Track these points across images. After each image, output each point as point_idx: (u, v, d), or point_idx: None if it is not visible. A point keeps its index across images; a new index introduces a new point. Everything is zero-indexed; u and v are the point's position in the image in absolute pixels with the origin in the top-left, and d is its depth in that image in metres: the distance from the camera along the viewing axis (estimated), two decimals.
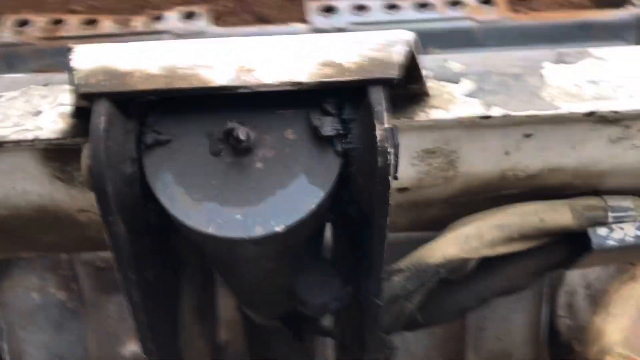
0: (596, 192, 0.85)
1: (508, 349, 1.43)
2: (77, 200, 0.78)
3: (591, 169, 0.82)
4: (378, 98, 0.58)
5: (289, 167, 0.60)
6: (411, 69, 0.66)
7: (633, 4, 1.22)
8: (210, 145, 0.61)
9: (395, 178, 0.60)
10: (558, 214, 0.83)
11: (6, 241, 0.89)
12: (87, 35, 1.20)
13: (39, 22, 1.23)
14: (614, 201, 0.84)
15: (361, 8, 1.24)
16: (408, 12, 1.24)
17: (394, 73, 0.60)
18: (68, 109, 0.71)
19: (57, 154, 0.74)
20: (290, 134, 0.61)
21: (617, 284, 1.20)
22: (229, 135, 0.58)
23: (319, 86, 0.59)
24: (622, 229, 0.83)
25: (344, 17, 1.23)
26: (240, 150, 0.59)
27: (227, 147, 0.60)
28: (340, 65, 0.60)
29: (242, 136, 0.57)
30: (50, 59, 1.20)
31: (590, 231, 0.83)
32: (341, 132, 0.61)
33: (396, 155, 0.58)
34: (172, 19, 1.23)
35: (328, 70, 0.59)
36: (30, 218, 0.81)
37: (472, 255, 0.82)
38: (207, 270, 0.96)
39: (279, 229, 0.58)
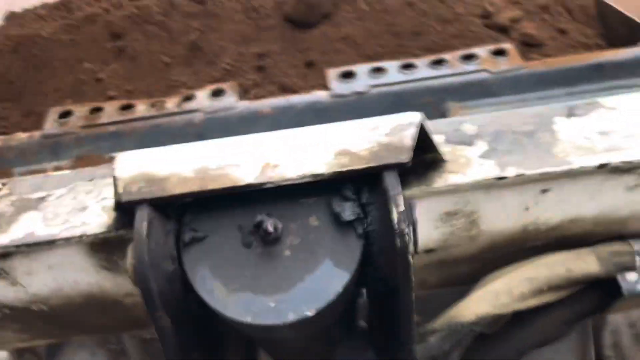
0: (621, 237, 0.87)
1: None
2: (123, 286, 0.84)
3: (612, 217, 0.83)
4: (392, 183, 0.62)
5: (314, 252, 0.64)
6: (424, 142, 0.70)
7: None
8: (241, 237, 0.66)
9: (416, 252, 0.64)
10: (585, 263, 0.84)
11: (59, 326, 0.95)
12: (123, 120, 1.28)
13: (80, 112, 1.32)
14: (639, 245, 0.85)
15: (378, 70, 1.29)
16: (423, 70, 1.28)
17: (405, 157, 0.64)
18: (111, 202, 0.78)
19: (102, 246, 0.80)
20: (314, 221, 0.65)
21: None
22: (259, 227, 0.63)
23: (337, 176, 0.63)
24: None
25: (363, 81, 1.28)
26: (269, 241, 0.64)
27: (258, 239, 0.64)
28: (355, 153, 0.64)
29: (270, 228, 0.61)
30: (91, 145, 1.28)
31: (619, 278, 0.84)
32: (361, 215, 0.65)
33: (414, 231, 0.62)
34: (202, 97, 1.31)
35: (344, 160, 0.64)
36: (81, 305, 0.87)
37: (503, 310, 0.83)
38: (249, 344, 1.00)
39: (309, 313, 0.62)
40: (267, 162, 0.65)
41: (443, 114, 1.24)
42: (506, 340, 0.88)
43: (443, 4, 1.45)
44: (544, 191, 0.80)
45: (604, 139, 0.80)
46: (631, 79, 1.25)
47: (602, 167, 0.77)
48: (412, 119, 0.67)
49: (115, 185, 0.66)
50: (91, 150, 1.27)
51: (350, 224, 0.65)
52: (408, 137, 0.65)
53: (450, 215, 0.81)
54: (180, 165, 0.66)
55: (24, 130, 1.38)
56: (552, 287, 0.84)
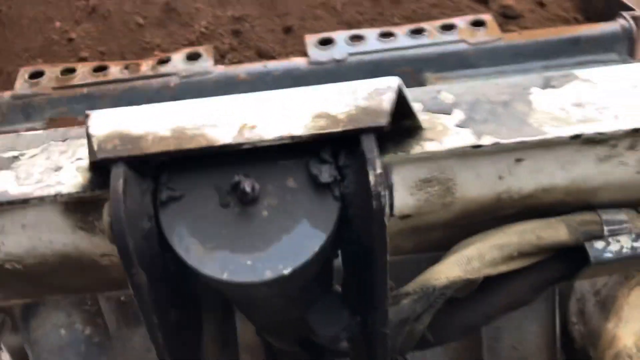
0: (590, 207, 0.89)
1: (524, 357, 1.45)
2: (99, 246, 0.84)
3: (582, 187, 0.85)
4: (370, 146, 0.63)
5: (292, 213, 0.64)
6: (402, 108, 0.70)
7: (623, 17, 1.25)
8: (219, 197, 0.66)
9: (391, 215, 0.65)
10: (554, 231, 0.86)
11: (34, 286, 0.94)
12: (97, 82, 1.26)
13: (52, 72, 1.29)
14: (608, 215, 0.88)
15: (357, 38, 1.29)
16: (402, 39, 1.28)
17: (383, 121, 0.64)
18: (86, 163, 0.77)
19: (78, 206, 0.79)
20: (291, 182, 0.66)
21: (625, 290, 1.23)
22: (236, 188, 0.63)
23: (315, 138, 0.64)
24: (618, 241, 0.87)
25: (341, 48, 1.27)
26: (247, 201, 0.64)
27: (235, 199, 0.65)
28: (333, 116, 0.64)
29: (248, 189, 0.62)
30: (64, 107, 1.26)
31: (587, 245, 0.86)
32: (338, 178, 0.66)
33: (390, 195, 0.63)
34: (177, 61, 1.29)
35: (322, 122, 0.64)
36: (56, 265, 0.86)
37: (474, 275, 0.85)
38: (225, 303, 1.00)
39: (286, 272, 0.62)
40: (245, 122, 0.65)
41: (421, 84, 1.25)
42: (476, 304, 0.91)
43: None
44: (518, 160, 0.81)
45: (579, 110, 0.82)
46: (606, 54, 1.27)
47: (575, 137, 0.78)
48: (391, 83, 0.68)
49: (90, 143, 0.65)
50: (64, 112, 1.25)
51: (327, 186, 0.65)
52: (386, 101, 0.66)
53: (425, 182, 0.82)
54: (156, 124, 0.65)
55: None
56: (523, 254, 0.86)
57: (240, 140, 0.64)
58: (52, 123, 1.25)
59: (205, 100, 0.68)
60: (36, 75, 1.29)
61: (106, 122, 0.66)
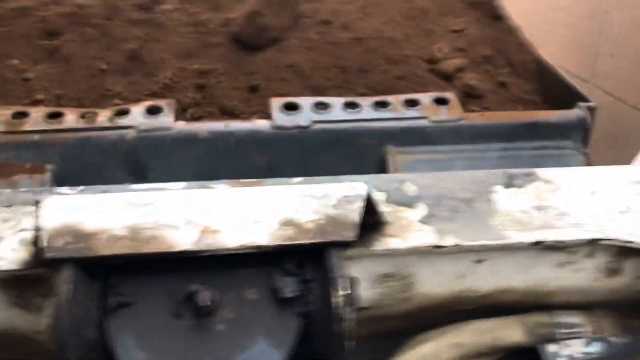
0: (546, 308, 0.89)
1: None
2: (35, 324, 0.78)
3: (540, 290, 0.86)
4: (336, 264, 0.61)
5: (249, 329, 0.61)
6: (369, 209, 0.69)
7: (579, 107, 1.29)
8: (172, 307, 0.62)
9: (353, 338, 0.62)
10: (510, 332, 0.86)
11: None
12: (50, 130, 1.21)
13: (2, 115, 1.23)
14: (562, 317, 0.88)
15: (323, 106, 1.28)
16: (367, 111, 1.28)
17: (351, 235, 0.63)
18: (29, 235, 0.72)
19: (16, 283, 0.74)
20: (251, 294, 0.63)
21: None
22: (191, 298, 0.59)
23: (280, 248, 0.61)
24: (569, 345, 0.87)
25: (306, 115, 1.26)
26: (202, 314, 0.60)
27: (190, 310, 0.61)
28: (300, 225, 0.62)
29: (204, 301, 0.58)
30: (12, 152, 1.19)
31: (540, 349, 0.86)
32: (303, 293, 0.63)
33: (356, 309, 0.61)
34: (137, 113, 1.24)
35: (289, 232, 0.62)
36: None
37: None
38: None
39: None
40: (206, 226, 0.62)
41: (381, 157, 1.25)
42: None
43: (393, 43, 1.46)
44: (479, 261, 0.81)
45: (540, 215, 0.82)
46: (562, 140, 1.30)
47: (537, 244, 0.78)
48: (360, 191, 0.66)
49: (38, 237, 0.61)
50: (11, 158, 1.19)
51: (289, 301, 0.63)
52: (355, 213, 0.64)
53: (386, 277, 0.80)
54: (111, 219, 0.61)
55: None
56: (479, 354, 0.85)
57: (200, 247, 0.61)
58: None
59: (166, 192, 0.65)
60: None
61: (57, 213, 0.62)
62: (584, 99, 1.33)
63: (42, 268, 0.65)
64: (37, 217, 0.62)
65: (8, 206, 0.79)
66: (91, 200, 0.63)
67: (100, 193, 0.64)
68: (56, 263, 0.60)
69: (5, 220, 0.77)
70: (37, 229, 0.62)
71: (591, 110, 1.31)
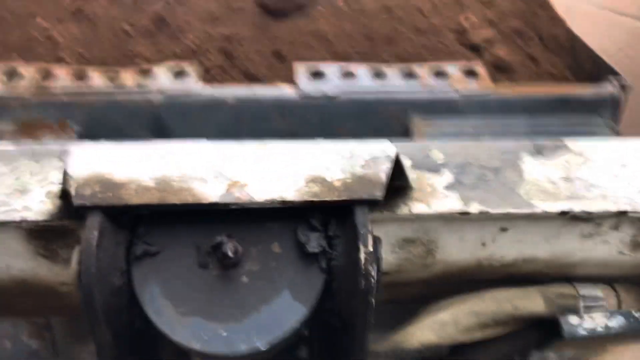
0: (568, 280, 0.88)
1: None
2: (59, 275, 0.79)
3: (563, 260, 0.84)
4: (363, 220, 0.60)
5: (273, 281, 0.61)
6: (396, 173, 0.68)
7: (611, 83, 1.26)
8: (198, 257, 0.62)
9: (377, 291, 0.62)
10: (531, 302, 0.85)
11: None
12: (77, 92, 1.21)
13: (29, 73, 1.23)
14: (585, 290, 0.87)
15: (349, 75, 1.27)
16: (394, 81, 1.27)
17: (378, 194, 0.62)
18: (56, 188, 0.72)
19: (42, 233, 0.75)
20: (276, 248, 0.63)
21: (588, 354, 1.23)
22: (217, 249, 0.60)
23: (306, 204, 0.61)
24: (592, 318, 0.86)
25: (332, 83, 1.25)
26: (228, 265, 0.60)
27: (215, 260, 0.61)
28: (327, 182, 0.62)
29: (230, 252, 0.58)
30: (39, 111, 1.20)
31: (561, 319, 0.85)
32: (326, 249, 0.63)
33: (378, 270, 0.60)
34: (161, 75, 1.24)
35: (315, 188, 0.61)
36: (10, 289, 0.81)
37: (447, 341, 0.84)
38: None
39: (261, 347, 0.59)
40: (235, 179, 0.61)
41: (407, 127, 1.24)
42: None
43: (420, 13, 1.44)
44: (503, 229, 0.80)
45: (567, 185, 0.81)
46: (591, 116, 1.27)
47: (563, 214, 0.77)
48: (389, 152, 0.65)
49: (67, 185, 0.61)
50: (38, 116, 1.20)
51: (314, 256, 0.62)
52: (382, 173, 0.63)
53: (408, 242, 0.80)
54: (140, 170, 0.61)
55: None
56: (497, 323, 0.85)
57: (228, 199, 0.60)
58: (24, 127, 1.19)
59: (195, 145, 0.65)
60: (12, 74, 1.23)
61: (86, 162, 0.62)
62: (616, 74, 1.29)
63: (69, 219, 0.66)
64: (65, 166, 0.62)
65: (36, 160, 0.80)
66: (120, 150, 0.63)
67: (127, 145, 0.64)
68: (84, 211, 0.60)
69: (33, 174, 0.78)
70: (66, 178, 0.62)
71: (623, 87, 1.28)
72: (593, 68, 1.37)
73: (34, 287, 0.81)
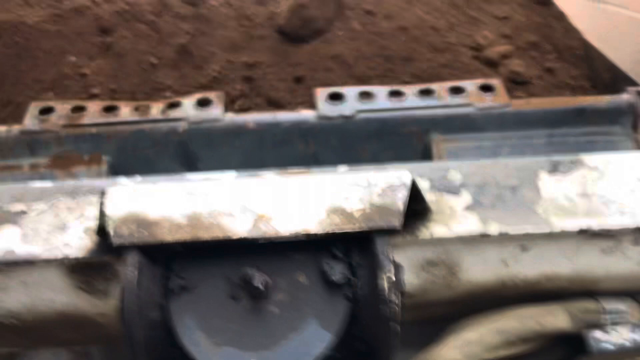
0: (592, 295, 0.89)
1: None
2: (98, 307, 0.83)
3: (586, 277, 0.86)
4: (382, 249, 0.63)
5: (301, 311, 0.64)
6: (414, 197, 0.70)
7: (629, 92, 1.27)
8: (229, 289, 0.66)
9: (402, 319, 0.64)
10: (555, 318, 0.86)
11: (27, 339, 0.93)
12: (106, 123, 1.26)
13: (62, 109, 1.29)
14: (609, 304, 0.88)
15: (367, 95, 1.30)
16: (411, 99, 1.29)
17: (396, 223, 0.65)
18: (93, 224, 0.77)
19: (82, 269, 0.79)
20: (302, 278, 0.66)
21: None
22: (247, 282, 0.63)
23: (328, 236, 0.64)
24: (617, 332, 0.87)
25: (350, 104, 1.28)
26: (257, 296, 0.64)
27: (245, 292, 0.64)
28: (348, 213, 0.65)
29: (260, 284, 0.62)
30: (72, 145, 1.26)
31: (587, 335, 0.86)
32: (350, 278, 0.66)
33: (402, 294, 0.63)
34: (188, 106, 1.29)
35: (337, 219, 0.64)
36: (53, 321, 0.86)
37: (473, 359, 0.85)
38: None
39: None
40: (261, 214, 0.65)
41: (426, 144, 1.26)
42: None
43: (436, 32, 1.46)
44: (524, 249, 0.82)
45: (585, 202, 0.82)
46: (610, 126, 1.28)
47: (582, 232, 0.79)
48: (404, 179, 0.68)
49: (105, 224, 0.65)
50: (71, 150, 1.25)
51: (338, 285, 0.65)
52: (400, 201, 0.66)
53: (431, 264, 0.82)
54: (172, 208, 0.65)
55: (2, 121, 1.34)
56: (523, 340, 0.86)
57: (256, 234, 0.64)
58: (57, 161, 1.25)
59: (221, 182, 0.68)
60: (46, 111, 1.29)
61: (122, 202, 0.66)
62: (633, 82, 1.30)
63: (108, 255, 0.70)
64: (102, 206, 0.66)
65: (72, 197, 0.84)
66: (152, 190, 0.67)
67: (159, 183, 0.68)
68: (122, 250, 0.64)
69: (70, 210, 0.82)
70: (103, 217, 0.66)
71: None
72: (610, 77, 1.38)
73: (74, 319, 0.85)
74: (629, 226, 0.79)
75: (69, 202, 0.84)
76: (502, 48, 1.44)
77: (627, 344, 0.86)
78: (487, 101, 1.29)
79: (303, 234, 0.64)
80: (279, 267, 0.66)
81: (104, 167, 1.23)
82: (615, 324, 0.87)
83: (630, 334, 0.86)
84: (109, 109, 1.29)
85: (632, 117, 1.28)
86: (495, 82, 1.32)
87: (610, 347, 0.85)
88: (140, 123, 1.26)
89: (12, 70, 1.45)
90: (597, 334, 0.86)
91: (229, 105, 1.36)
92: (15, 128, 1.25)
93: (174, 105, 1.29)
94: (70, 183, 0.89)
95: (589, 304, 0.88)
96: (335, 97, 1.29)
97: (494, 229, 0.78)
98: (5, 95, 1.42)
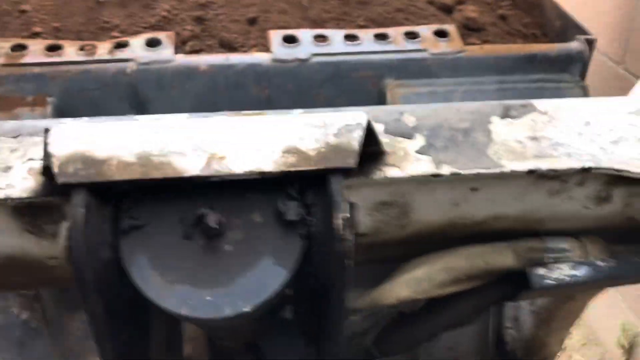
0: (536, 234, 0.93)
1: (459, 358, 1.51)
2: (47, 249, 0.81)
3: (531, 216, 0.89)
4: (337, 188, 0.63)
5: (256, 249, 0.64)
6: (369, 139, 0.71)
7: (579, 40, 1.30)
8: (182, 229, 0.65)
9: (353, 257, 0.65)
10: (501, 256, 0.90)
11: None
12: (49, 63, 1.21)
13: (2, 47, 1.23)
14: (552, 243, 0.92)
15: (322, 38, 1.28)
16: (367, 44, 1.28)
17: (351, 162, 0.65)
18: (38, 165, 0.74)
19: (27, 210, 0.77)
20: (257, 217, 0.66)
21: (557, 302, 1.30)
22: (201, 221, 0.62)
23: (283, 174, 0.64)
24: (559, 268, 0.91)
25: (305, 48, 1.26)
26: (212, 235, 0.63)
27: (199, 231, 0.64)
28: (303, 152, 0.64)
29: (213, 223, 0.61)
30: (13, 85, 1.20)
31: (529, 271, 0.90)
32: (304, 217, 0.66)
33: (353, 234, 0.64)
34: (136, 46, 1.24)
35: (291, 159, 0.64)
36: (0, 266, 0.83)
37: (423, 296, 0.88)
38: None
39: (246, 309, 0.63)
40: (214, 152, 0.64)
41: (381, 90, 1.26)
42: (421, 322, 0.94)
43: None
44: (474, 189, 0.84)
45: (534, 145, 0.84)
46: (560, 74, 1.31)
47: (530, 172, 0.81)
48: (360, 120, 0.68)
49: (50, 163, 0.63)
50: (12, 90, 1.20)
51: (293, 224, 0.66)
52: (355, 141, 0.66)
53: (384, 204, 0.83)
54: (121, 147, 0.63)
55: None
56: (470, 277, 0.89)
57: (208, 172, 0.63)
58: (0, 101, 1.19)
59: (172, 120, 0.67)
60: None
61: (67, 140, 0.64)
62: (583, 31, 1.32)
63: (54, 195, 0.68)
64: (46, 144, 0.64)
65: (14, 136, 0.81)
66: (99, 128, 0.65)
67: (106, 122, 0.66)
68: (68, 189, 0.62)
69: (13, 150, 0.79)
70: (48, 156, 0.64)
71: (590, 42, 1.31)
72: (561, 25, 1.40)
73: (22, 262, 0.83)
74: (575, 167, 0.82)
75: (12, 143, 0.80)
76: None
77: (567, 279, 0.90)
78: (442, 47, 1.29)
79: (257, 173, 0.64)
80: (234, 206, 0.66)
81: (49, 109, 1.18)
82: (558, 261, 0.91)
83: (571, 270, 0.90)
84: (53, 48, 1.24)
85: (581, 65, 1.31)
86: (449, 27, 1.32)
87: (551, 282, 0.89)
88: (86, 63, 1.21)
89: None
90: (540, 270, 0.90)
91: (180, 47, 1.31)
92: None
93: (121, 46, 1.25)
94: (11, 122, 0.85)
95: (533, 243, 0.91)
96: (290, 40, 1.27)
97: (445, 169, 0.80)
98: None
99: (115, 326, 0.69)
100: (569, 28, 1.38)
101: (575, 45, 1.31)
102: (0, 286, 0.94)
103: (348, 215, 0.63)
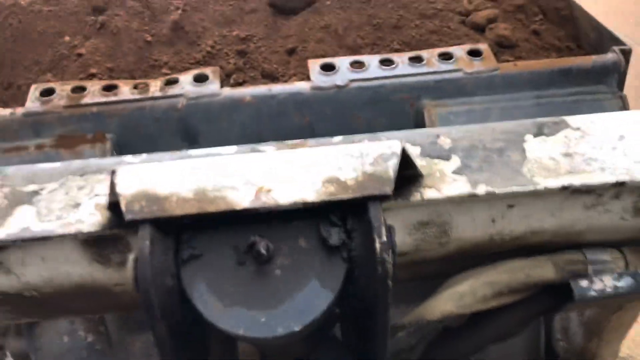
0: (576, 246, 0.95)
1: None
2: (114, 277, 0.88)
3: (569, 230, 0.91)
4: (375, 215, 0.68)
5: (303, 272, 0.70)
6: (405, 163, 0.75)
7: (614, 51, 1.31)
8: (236, 256, 0.71)
9: (394, 278, 0.70)
10: (541, 269, 0.92)
11: (46, 309, 0.99)
12: (107, 102, 1.30)
13: (63, 90, 1.33)
14: (593, 254, 0.93)
15: (358, 64, 1.33)
16: (402, 67, 1.33)
17: (388, 189, 0.70)
18: (103, 200, 0.82)
19: (95, 242, 0.84)
20: (302, 243, 0.71)
21: (607, 313, 1.30)
22: (252, 248, 0.68)
23: (325, 203, 0.69)
24: (601, 280, 0.92)
25: (343, 74, 1.32)
26: (262, 261, 0.69)
27: (251, 258, 0.70)
28: (342, 182, 0.70)
29: (263, 249, 0.67)
30: (74, 125, 1.29)
31: (572, 283, 0.92)
32: (346, 241, 0.71)
33: (394, 256, 0.68)
34: (185, 82, 1.32)
35: (331, 188, 0.69)
36: (71, 292, 0.91)
37: (466, 310, 0.91)
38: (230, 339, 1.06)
39: (296, 328, 0.68)
40: (261, 186, 0.70)
41: (418, 111, 1.30)
42: (467, 336, 0.97)
43: None
44: (510, 206, 0.87)
45: (567, 161, 0.87)
46: (596, 86, 1.32)
47: (564, 188, 0.84)
48: (394, 148, 0.73)
49: (117, 201, 0.70)
50: (74, 129, 1.29)
51: (336, 249, 0.71)
52: (390, 169, 0.71)
53: (423, 224, 0.87)
54: (179, 184, 0.70)
55: (4, 103, 1.38)
56: (512, 291, 0.92)
57: (257, 204, 0.69)
58: (61, 140, 1.29)
59: (224, 158, 0.73)
60: (47, 92, 1.32)
61: (132, 180, 0.71)
62: (618, 42, 1.34)
63: (121, 229, 0.75)
64: (113, 184, 0.71)
65: (81, 175, 0.89)
66: (159, 167, 0.72)
67: (165, 161, 0.73)
68: (134, 223, 0.69)
69: (80, 188, 0.87)
70: (115, 195, 0.71)
71: (625, 53, 1.32)
72: (596, 37, 1.41)
73: (90, 289, 0.91)
74: (609, 182, 0.84)
75: (78, 181, 0.88)
76: (489, 12, 1.47)
77: (610, 290, 0.91)
78: (476, 66, 1.33)
79: (301, 203, 0.69)
80: (281, 233, 0.72)
81: (108, 145, 1.27)
82: (599, 273, 0.93)
83: (612, 281, 0.92)
84: (109, 88, 1.33)
85: (618, 75, 1.32)
86: (482, 46, 1.36)
87: (593, 293, 0.91)
88: (140, 101, 1.30)
89: (9, 53, 1.48)
90: (582, 282, 0.92)
91: (225, 80, 1.39)
92: (19, 110, 1.29)
93: (171, 82, 1.33)
94: (78, 162, 0.94)
95: (573, 256, 0.93)
96: (328, 68, 1.33)
97: (481, 189, 0.83)
98: (5, 78, 1.45)
99: (179, 346, 0.76)
100: (604, 39, 1.39)
101: (610, 56, 1.32)
102: (70, 311, 1.02)
103: (386, 240, 0.68)
